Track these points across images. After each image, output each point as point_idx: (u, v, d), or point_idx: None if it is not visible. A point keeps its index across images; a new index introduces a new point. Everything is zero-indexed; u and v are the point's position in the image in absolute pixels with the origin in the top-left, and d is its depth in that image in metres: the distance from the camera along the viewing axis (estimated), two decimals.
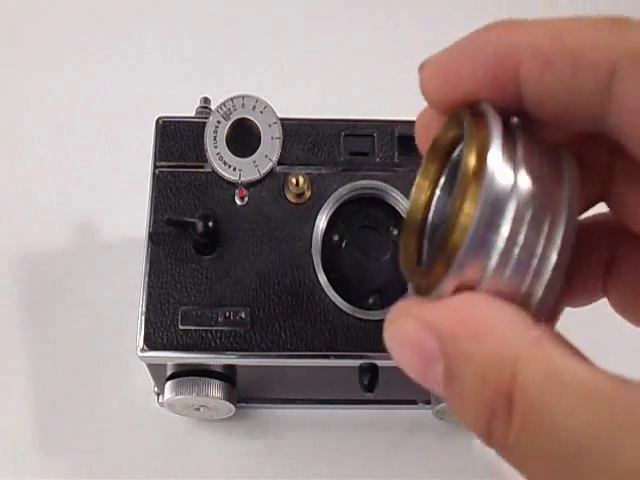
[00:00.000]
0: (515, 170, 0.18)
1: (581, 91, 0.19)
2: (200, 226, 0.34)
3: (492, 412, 0.17)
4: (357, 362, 0.35)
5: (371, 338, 0.34)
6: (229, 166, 0.36)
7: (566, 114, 0.20)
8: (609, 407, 0.16)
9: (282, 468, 0.41)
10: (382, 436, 0.42)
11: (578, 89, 0.19)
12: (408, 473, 0.41)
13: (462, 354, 0.18)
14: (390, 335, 0.20)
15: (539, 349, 0.17)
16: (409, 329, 0.19)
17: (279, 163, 0.37)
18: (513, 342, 0.18)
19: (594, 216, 0.24)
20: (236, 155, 0.36)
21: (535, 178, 0.19)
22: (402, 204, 0.36)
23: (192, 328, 0.34)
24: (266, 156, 0.36)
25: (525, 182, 0.18)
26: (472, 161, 0.19)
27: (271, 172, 0.36)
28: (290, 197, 0.36)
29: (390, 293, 0.36)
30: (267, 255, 0.36)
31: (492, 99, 0.20)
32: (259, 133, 0.37)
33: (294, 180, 0.36)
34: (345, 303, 0.35)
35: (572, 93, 0.19)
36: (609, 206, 0.23)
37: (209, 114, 0.37)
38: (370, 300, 0.36)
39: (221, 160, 0.36)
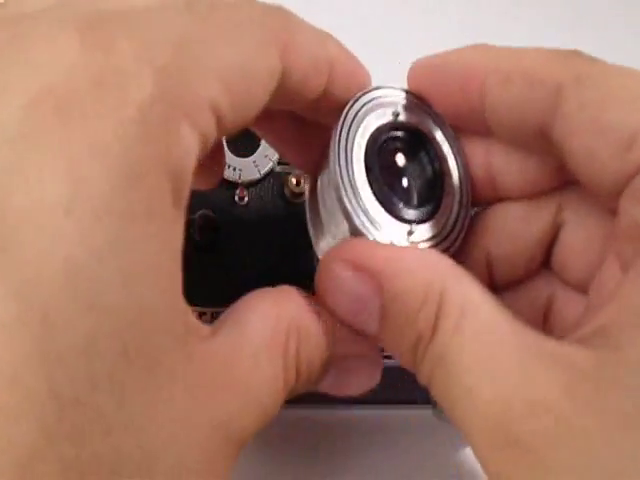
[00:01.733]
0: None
1: (533, 104, 0.22)
2: (200, 226, 0.34)
3: (419, 337, 0.20)
4: None
5: None
6: (229, 166, 0.36)
7: (521, 124, 0.23)
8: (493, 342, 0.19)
9: (281, 468, 0.41)
10: (382, 436, 0.42)
11: (531, 103, 0.22)
12: (407, 473, 0.41)
13: (399, 287, 0.20)
14: (326, 276, 0.22)
15: (459, 285, 0.20)
16: (344, 273, 0.21)
17: (279, 163, 0.37)
18: (440, 276, 0.20)
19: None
20: (236, 155, 0.36)
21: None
22: None
23: None
24: (266, 156, 0.36)
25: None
26: None
27: (271, 172, 0.36)
28: (290, 197, 0.36)
29: None
30: (267, 255, 0.36)
31: (459, 109, 0.24)
32: None
33: (294, 180, 0.36)
34: None
35: (526, 106, 0.23)
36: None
37: None
38: None
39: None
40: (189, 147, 0.18)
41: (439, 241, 0.24)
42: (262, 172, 0.36)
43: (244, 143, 0.37)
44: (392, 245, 0.22)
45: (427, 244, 0.24)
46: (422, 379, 0.21)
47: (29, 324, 0.15)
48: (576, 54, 0.23)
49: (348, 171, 0.23)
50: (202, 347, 0.19)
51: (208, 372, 0.19)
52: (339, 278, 0.21)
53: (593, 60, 0.22)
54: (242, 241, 0.36)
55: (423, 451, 0.42)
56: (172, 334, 0.17)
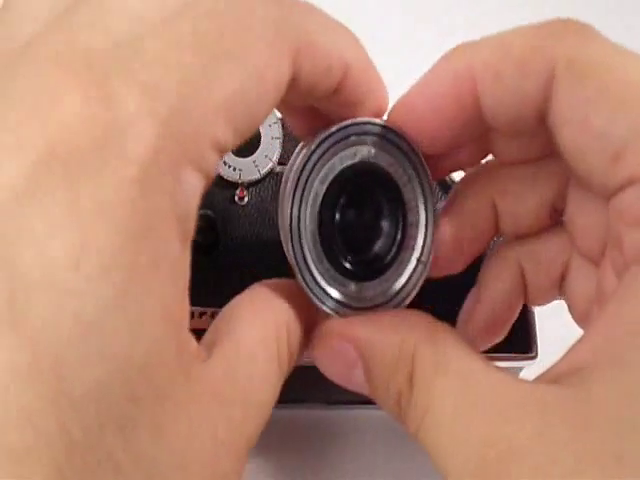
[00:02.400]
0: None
1: (528, 96, 0.21)
2: (200, 226, 0.34)
3: (399, 393, 0.21)
4: None
5: None
6: (229, 166, 0.36)
7: (517, 120, 0.22)
8: (469, 393, 0.19)
9: (281, 468, 0.41)
10: (382, 436, 0.42)
11: (525, 94, 0.21)
12: (408, 473, 0.41)
13: (375, 349, 0.22)
14: (319, 351, 0.24)
15: (431, 342, 0.21)
16: (333, 343, 0.23)
17: (279, 163, 0.37)
18: (411, 337, 0.21)
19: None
20: (236, 155, 0.36)
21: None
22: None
23: (192, 328, 0.34)
24: (266, 156, 0.36)
25: None
26: None
27: (271, 172, 0.36)
28: None
29: None
30: (267, 255, 0.36)
31: (457, 120, 0.23)
32: (259, 133, 0.37)
33: None
34: None
35: (520, 99, 0.21)
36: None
37: None
38: None
39: (221, 160, 0.36)
40: (194, 189, 0.19)
41: (387, 299, 0.25)
42: (262, 172, 0.36)
43: (244, 143, 0.37)
44: (374, 312, 0.24)
45: (375, 301, 0.25)
46: (409, 431, 0.22)
47: (42, 372, 0.16)
48: (569, 29, 0.21)
49: (300, 228, 0.24)
50: (202, 371, 0.19)
51: (209, 393, 0.19)
52: (332, 349, 0.23)
53: (589, 37, 0.21)
54: (242, 241, 0.36)
55: (423, 451, 0.42)
56: (176, 369, 0.18)
